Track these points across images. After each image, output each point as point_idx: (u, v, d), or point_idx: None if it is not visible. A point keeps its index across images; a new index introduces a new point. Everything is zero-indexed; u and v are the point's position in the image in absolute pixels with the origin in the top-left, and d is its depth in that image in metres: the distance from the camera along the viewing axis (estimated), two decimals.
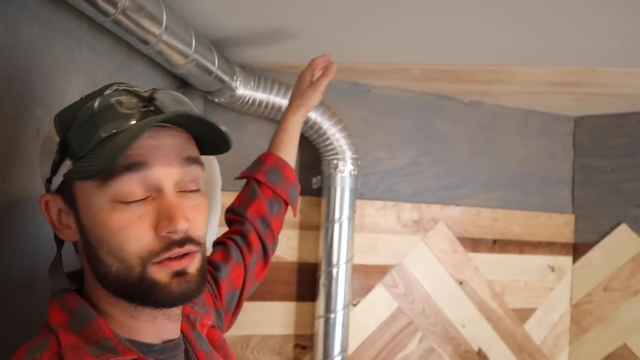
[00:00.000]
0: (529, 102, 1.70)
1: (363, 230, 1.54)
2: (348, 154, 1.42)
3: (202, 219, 0.61)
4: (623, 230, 1.69)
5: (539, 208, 1.74)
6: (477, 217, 1.66)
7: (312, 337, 1.46)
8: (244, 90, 1.30)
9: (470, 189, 1.66)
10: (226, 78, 1.21)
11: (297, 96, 1.04)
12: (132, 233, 0.55)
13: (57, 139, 0.57)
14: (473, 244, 1.65)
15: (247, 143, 1.48)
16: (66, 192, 0.58)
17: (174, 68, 1.03)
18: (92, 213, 0.56)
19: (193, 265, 0.59)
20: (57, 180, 0.58)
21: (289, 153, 1.03)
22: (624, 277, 1.68)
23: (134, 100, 0.57)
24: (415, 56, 1.33)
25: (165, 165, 0.57)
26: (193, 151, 0.60)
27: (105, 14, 0.73)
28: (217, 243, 0.93)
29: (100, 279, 0.58)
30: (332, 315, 1.39)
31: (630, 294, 1.66)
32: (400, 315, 1.57)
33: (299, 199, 1.47)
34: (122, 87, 0.60)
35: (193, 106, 0.63)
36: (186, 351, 0.66)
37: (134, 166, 0.55)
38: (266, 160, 1.00)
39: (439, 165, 1.63)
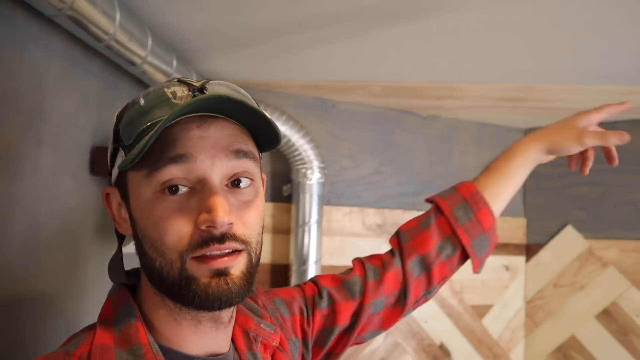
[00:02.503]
0: (482, 115, 1.88)
1: (330, 233, 1.68)
2: (315, 164, 1.56)
3: (251, 216, 0.57)
4: (569, 231, 1.87)
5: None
6: None
7: None
8: None
9: (430, 195, 1.81)
10: None
11: (543, 134, 0.82)
12: (172, 225, 0.53)
13: (114, 130, 0.59)
14: None
15: None
16: (121, 184, 0.58)
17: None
18: (139, 204, 0.56)
19: (237, 266, 0.55)
20: (114, 172, 0.59)
21: (500, 190, 0.81)
22: (571, 274, 1.85)
23: (185, 88, 0.56)
24: (376, 74, 1.49)
25: (211, 157, 0.54)
26: (245, 144, 0.57)
27: (99, 39, 0.86)
28: (352, 266, 0.84)
29: (147, 274, 0.58)
30: None
31: (576, 289, 1.83)
32: None
33: (271, 205, 1.61)
34: (177, 78, 0.60)
35: (250, 98, 0.61)
36: None
37: (179, 158, 0.53)
38: (461, 190, 0.82)
39: (400, 174, 1.78)
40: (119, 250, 0.62)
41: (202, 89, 0.56)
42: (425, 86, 1.55)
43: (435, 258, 0.79)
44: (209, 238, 0.53)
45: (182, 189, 0.54)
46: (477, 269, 0.83)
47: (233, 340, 0.64)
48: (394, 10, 1.01)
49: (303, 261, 1.53)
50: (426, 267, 0.79)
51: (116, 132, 0.58)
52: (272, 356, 0.67)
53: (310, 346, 0.75)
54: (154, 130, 0.51)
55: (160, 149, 0.53)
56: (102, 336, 0.56)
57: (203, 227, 0.53)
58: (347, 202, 1.72)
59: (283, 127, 1.53)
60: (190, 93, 0.55)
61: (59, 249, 0.91)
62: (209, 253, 0.53)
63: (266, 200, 1.58)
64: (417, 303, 0.82)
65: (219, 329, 0.59)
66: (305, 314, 0.75)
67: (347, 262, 1.68)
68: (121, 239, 0.63)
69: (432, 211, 0.83)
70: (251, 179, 0.57)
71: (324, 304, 0.76)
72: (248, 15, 1.05)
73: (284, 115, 1.54)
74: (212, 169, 0.54)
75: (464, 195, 0.81)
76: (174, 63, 1.13)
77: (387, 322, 0.80)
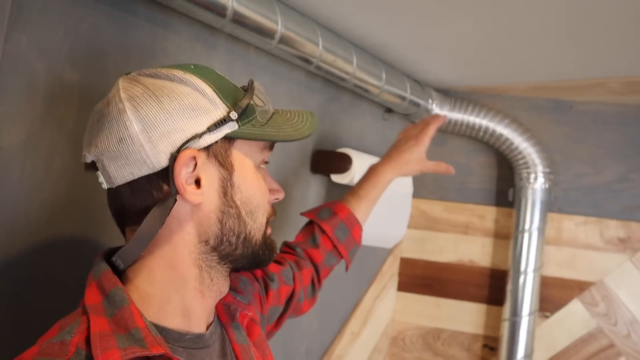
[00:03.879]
0: None
1: (560, 243, 1.56)
2: (540, 168, 1.49)
3: None
4: None
5: None
6: None
7: (498, 339, 1.55)
8: (439, 111, 1.52)
9: None
10: (421, 102, 1.45)
11: (397, 161, 1.04)
12: (266, 194, 0.64)
13: (219, 99, 0.58)
14: None
15: (447, 159, 1.68)
16: (218, 151, 0.59)
17: (372, 97, 1.33)
18: (247, 173, 0.61)
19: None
20: (212, 138, 0.57)
21: (366, 210, 1.02)
22: None
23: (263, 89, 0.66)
24: (613, 69, 1.33)
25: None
26: None
27: (308, 62, 1.07)
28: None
29: (221, 242, 0.59)
30: (517, 319, 1.47)
31: None
32: (600, 335, 1.52)
33: (495, 209, 1.60)
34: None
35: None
36: (222, 342, 0.66)
37: (274, 144, 0.66)
38: (339, 213, 0.99)
39: None
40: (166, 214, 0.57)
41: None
42: None
43: (323, 267, 0.97)
44: (273, 207, 0.66)
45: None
46: (348, 269, 1.04)
47: (216, 314, 0.68)
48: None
49: (519, 269, 1.48)
50: (318, 273, 0.96)
51: (234, 104, 0.59)
52: (247, 327, 0.72)
53: (265, 323, 0.84)
54: (303, 127, 0.66)
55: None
56: (97, 322, 0.54)
57: (273, 198, 0.66)
58: (583, 211, 1.57)
59: (506, 130, 1.51)
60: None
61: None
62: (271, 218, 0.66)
63: (490, 204, 1.59)
64: (314, 300, 0.98)
65: (217, 300, 0.65)
66: (261, 292, 0.83)
67: (578, 276, 1.56)
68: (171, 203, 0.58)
69: (316, 231, 0.98)
70: None
71: (274, 285, 0.86)
72: (467, 21, 1.10)
73: (506, 119, 1.52)
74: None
75: (341, 218, 0.99)
76: (383, 76, 1.27)
77: (301, 311, 0.94)
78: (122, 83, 0.58)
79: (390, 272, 1.65)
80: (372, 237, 1.25)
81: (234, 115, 0.58)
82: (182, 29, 0.89)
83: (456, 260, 1.66)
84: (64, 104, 0.71)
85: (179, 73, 0.58)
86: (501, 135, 1.51)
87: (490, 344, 1.61)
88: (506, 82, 1.54)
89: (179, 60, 0.88)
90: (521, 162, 1.51)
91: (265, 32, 0.95)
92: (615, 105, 1.57)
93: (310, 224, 1.00)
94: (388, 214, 1.33)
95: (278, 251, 0.71)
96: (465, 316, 1.63)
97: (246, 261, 0.62)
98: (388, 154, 1.06)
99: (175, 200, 0.56)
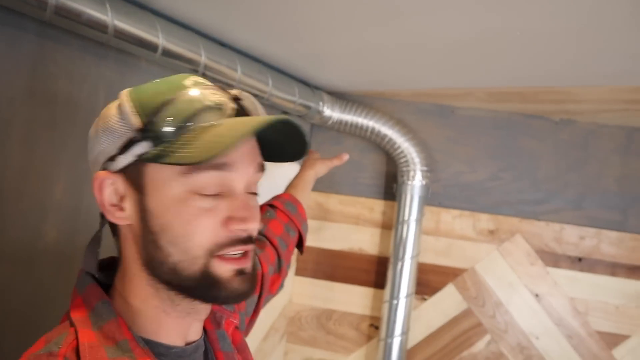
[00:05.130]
0: (631, 119, 1.74)
1: (438, 234, 1.82)
2: (418, 167, 1.73)
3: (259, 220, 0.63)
4: None
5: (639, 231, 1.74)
6: (560, 233, 1.77)
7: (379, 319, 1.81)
8: (331, 112, 1.74)
9: (555, 205, 1.78)
10: (311, 104, 1.67)
11: (311, 159, 1.31)
12: (202, 224, 0.57)
13: (134, 119, 0.57)
14: (554, 259, 1.77)
15: None
16: (132, 173, 0.58)
17: (263, 101, 1.53)
18: (164, 199, 0.57)
19: (250, 264, 0.61)
20: (125, 160, 0.57)
21: (302, 198, 1.16)
22: None
23: (225, 97, 0.60)
24: (479, 81, 1.57)
25: (245, 168, 0.60)
26: (260, 158, 0.64)
27: (195, 70, 1.27)
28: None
29: (152, 267, 0.59)
30: (395, 301, 1.72)
31: None
32: (470, 315, 1.79)
33: (383, 202, 1.84)
34: (201, 81, 0.62)
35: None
36: (206, 352, 0.67)
37: (222, 166, 0.58)
38: (282, 196, 1.13)
39: (521, 181, 1.80)
40: (100, 235, 0.63)
41: (237, 99, 0.62)
42: (531, 91, 1.57)
43: (287, 237, 1.02)
44: (236, 239, 0.59)
45: (212, 190, 0.58)
46: (304, 249, 1.12)
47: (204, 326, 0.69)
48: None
49: (398, 256, 1.73)
50: (285, 244, 1.01)
51: (147, 124, 0.57)
52: (232, 334, 0.74)
53: (244, 318, 0.85)
54: (228, 140, 0.54)
55: None
56: (85, 334, 0.56)
57: (234, 229, 0.58)
58: (460, 205, 1.82)
59: (390, 131, 1.74)
60: (231, 103, 0.60)
61: None
62: (232, 253, 0.59)
63: (379, 198, 1.83)
64: (283, 272, 1.02)
65: (200, 320, 0.65)
66: None
67: (452, 263, 1.81)
68: (103, 224, 0.64)
69: (267, 208, 1.06)
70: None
71: None
72: (358, 35, 1.25)
73: (391, 121, 1.75)
74: (243, 179, 0.60)
75: (286, 197, 1.11)
76: (269, 82, 1.48)
77: (273, 288, 0.97)
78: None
79: None
80: None
81: (141, 135, 0.56)
82: (72, 42, 1.04)
83: (347, 248, 1.89)
84: None
85: (123, 92, 0.61)
86: (385, 135, 1.74)
87: (375, 324, 1.86)
88: (393, 88, 1.77)
89: (71, 70, 1.03)
90: (402, 160, 1.75)
91: (147, 46, 1.14)
92: (489, 111, 1.83)
93: (260, 208, 1.04)
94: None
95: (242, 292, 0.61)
96: (354, 298, 1.87)
97: (189, 294, 0.60)
98: (304, 166, 1.30)
99: (103, 219, 0.62)
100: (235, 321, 0.74)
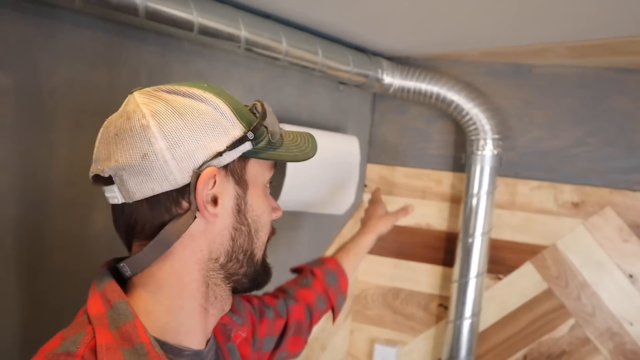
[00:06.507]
0: None
1: (514, 208, 1.72)
2: (489, 134, 1.64)
3: None
4: None
5: None
6: None
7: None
8: (391, 79, 1.68)
9: None
10: (369, 72, 1.62)
11: (374, 219, 1.32)
12: (269, 214, 0.71)
13: (236, 118, 0.64)
14: None
15: (408, 125, 1.86)
16: (235, 169, 0.65)
17: (313, 73, 1.51)
18: (258, 191, 0.68)
19: None
20: (232, 156, 0.63)
21: (352, 266, 1.20)
22: None
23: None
24: (556, 35, 1.44)
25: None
26: None
27: (235, 44, 1.27)
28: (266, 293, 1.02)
29: (232, 260, 0.66)
30: (465, 281, 1.67)
31: None
32: (550, 296, 1.70)
33: (451, 174, 1.78)
34: (220, 89, 0.69)
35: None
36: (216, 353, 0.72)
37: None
38: (328, 262, 1.15)
39: (613, 147, 1.64)
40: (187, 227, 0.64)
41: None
42: (619, 42, 1.42)
43: (315, 308, 1.05)
44: (272, 227, 0.73)
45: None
46: (335, 321, 1.16)
47: (213, 332, 0.73)
48: None
49: (468, 232, 1.67)
50: (310, 314, 1.04)
51: (248, 123, 0.65)
52: (239, 346, 0.80)
53: (256, 346, 0.90)
54: (311, 146, 0.73)
55: None
56: (102, 334, 0.58)
57: (273, 217, 0.72)
58: (539, 175, 1.71)
59: (456, 97, 1.66)
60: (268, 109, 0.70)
61: None
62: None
63: (447, 169, 1.76)
64: (306, 340, 1.05)
65: (218, 317, 0.71)
66: (254, 314, 0.91)
67: (531, 240, 1.71)
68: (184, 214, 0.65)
69: (307, 274, 1.10)
70: None
71: (270, 314, 0.94)
72: None
73: (457, 85, 1.66)
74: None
75: (330, 266, 1.13)
76: (319, 51, 1.45)
77: (292, 347, 1.00)
78: (140, 98, 0.62)
79: (350, 235, 1.86)
80: (320, 205, 1.48)
81: (250, 135, 0.63)
82: (109, 28, 1.08)
83: (414, 223, 1.84)
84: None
85: (198, 91, 0.63)
86: (452, 101, 1.65)
87: (444, 304, 1.82)
88: (459, 49, 1.68)
89: (110, 56, 1.08)
90: (472, 128, 1.66)
91: (182, 26, 1.16)
92: (574, 67, 1.67)
93: (299, 272, 1.14)
94: (335, 182, 1.54)
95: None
96: (422, 277, 1.83)
97: (247, 281, 0.68)
98: (366, 223, 1.34)
99: (195, 217, 0.61)
100: (243, 334, 0.78)
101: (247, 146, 0.64)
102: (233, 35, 1.22)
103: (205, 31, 1.16)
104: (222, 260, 0.65)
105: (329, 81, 1.69)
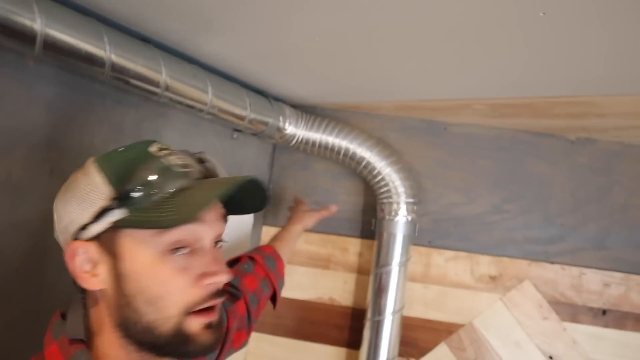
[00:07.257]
0: None
1: (428, 281, 1.54)
2: (402, 198, 1.46)
3: None
4: None
5: None
6: (579, 279, 1.50)
7: None
8: (294, 129, 1.47)
9: (572, 244, 1.52)
10: (269, 120, 1.39)
11: (300, 212, 1.38)
12: (177, 283, 0.63)
13: (106, 187, 0.63)
14: (572, 311, 1.50)
15: (311, 183, 1.64)
16: (106, 240, 0.63)
17: (202, 115, 1.26)
18: (139, 262, 0.63)
19: (217, 316, 0.67)
20: (99, 227, 0.63)
21: (285, 253, 1.25)
22: None
23: (191, 160, 0.69)
24: (479, 90, 1.32)
25: (213, 221, 0.67)
26: (223, 209, 0.71)
27: (100, 72, 0.99)
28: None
29: (125, 328, 0.64)
30: None
31: None
32: None
33: (359, 241, 1.57)
34: (165, 146, 0.69)
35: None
36: None
37: (192, 222, 0.64)
38: (265, 249, 1.19)
39: (530, 214, 1.53)
40: (83, 304, 0.67)
41: (202, 161, 0.72)
42: (544, 103, 1.32)
43: (261, 293, 1.07)
44: (209, 294, 0.65)
45: (185, 250, 0.65)
46: (277, 305, 1.19)
47: None
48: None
49: (378, 310, 1.45)
50: (257, 300, 1.05)
51: (123, 192, 0.63)
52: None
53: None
54: (202, 201, 0.62)
55: None
56: None
57: (206, 283, 0.65)
58: (455, 245, 1.55)
59: (367, 154, 1.48)
60: (198, 165, 0.70)
61: None
62: (205, 306, 0.65)
63: (354, 236, 1.55)
64: (251, 329, 1.07)
65: None
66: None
67: (446, 318, 1.54)
68: (83, 292, 0.67)
69: (246, 260, 1.11)
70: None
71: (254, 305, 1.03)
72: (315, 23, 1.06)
73: (369, 140, 1.49)
74: (211, 231, 0.67)
75: (268, 252, 1.17)
76: (209, 89, 1.21)
77: (236, 343, 1.01)
78: None
79: None
80: None
81: (115, 203, 0.62)
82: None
83: (315, 298, 1.60)
84: None
85: (88, 161, 0.66)
86: (362, 158, 1.47)
87: None
88: (371, 100, 1.51)
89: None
90: (384, 189, 1.48)
91: (23, 39, 0.86)
92: (490, 128, 1.57)
93: (237, 259, 1.14)
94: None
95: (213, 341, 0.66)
96: None
97: (164, 352, 0.65)
98: (293, 217, 1.40)
99: (75, 284, 0.65)
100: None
101: (115, 215, 0.63)
102: (94, 55, 0.94)
103: (54, 46, 0.88)
104: (122, 327, 0.65)
105: (221, 127, 1.44)
